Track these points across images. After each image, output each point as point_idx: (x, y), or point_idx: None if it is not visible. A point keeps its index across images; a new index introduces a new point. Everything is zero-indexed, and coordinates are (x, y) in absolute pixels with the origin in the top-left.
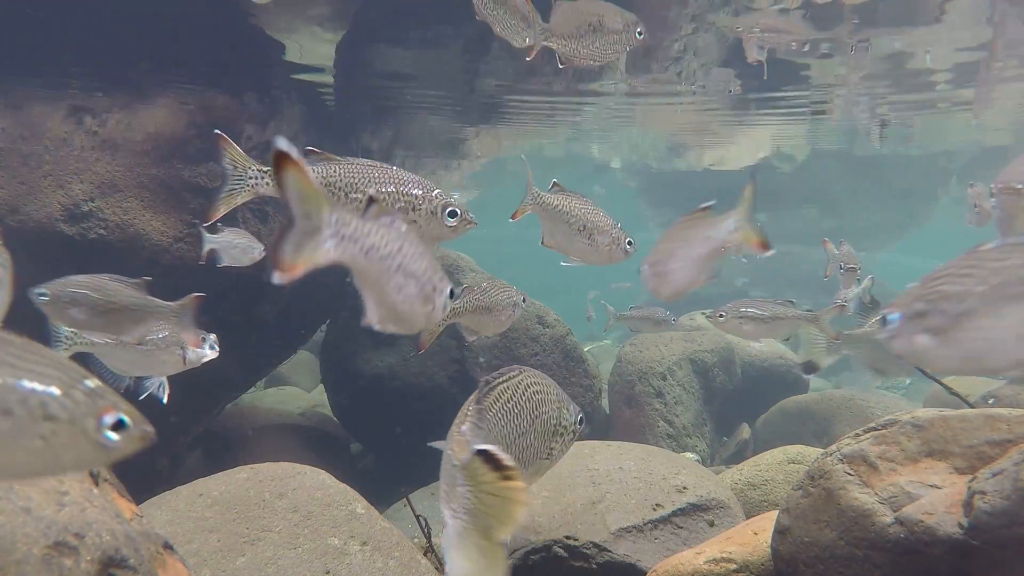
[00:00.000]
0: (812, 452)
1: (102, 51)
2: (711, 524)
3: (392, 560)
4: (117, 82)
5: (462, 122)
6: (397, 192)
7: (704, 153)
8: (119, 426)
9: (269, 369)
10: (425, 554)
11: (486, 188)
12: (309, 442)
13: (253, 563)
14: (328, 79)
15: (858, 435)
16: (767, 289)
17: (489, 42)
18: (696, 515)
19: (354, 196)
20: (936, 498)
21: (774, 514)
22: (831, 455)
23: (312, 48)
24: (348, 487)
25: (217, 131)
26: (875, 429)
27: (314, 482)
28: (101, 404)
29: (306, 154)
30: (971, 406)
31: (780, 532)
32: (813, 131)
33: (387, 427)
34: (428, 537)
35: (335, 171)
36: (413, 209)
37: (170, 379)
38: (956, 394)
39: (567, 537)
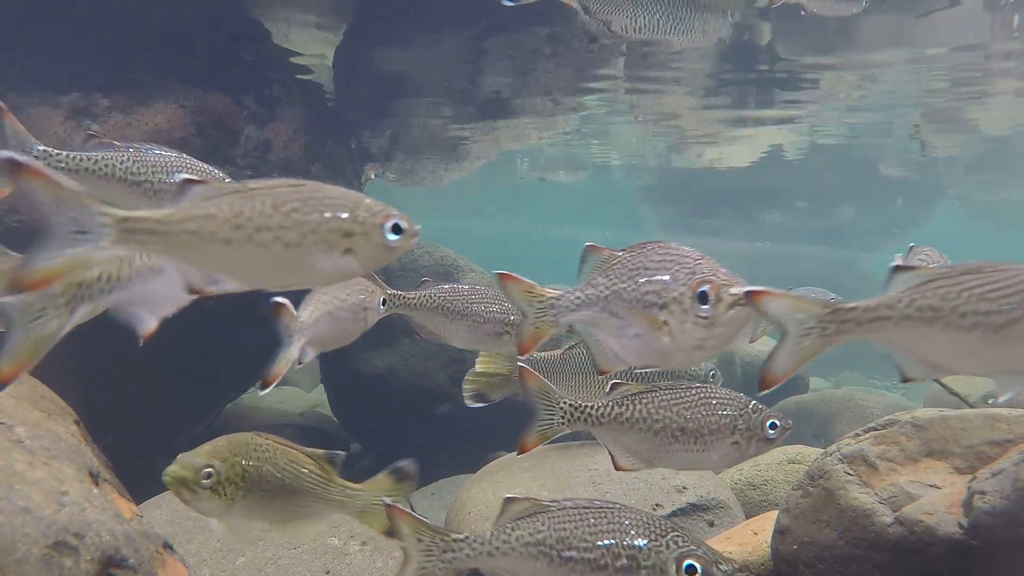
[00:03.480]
0: (812, 452)
1: (101, 52)
2: (711, 524)
3: (392, 560)
4: (116, 83)
5: (462, 122)
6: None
7: (704, 151)
8: (398, 229)
9: None
10: None
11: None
12: (309, 442)
13: (253, 563)
14: (328, 79)
15: (858, 435)
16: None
17: (488, 41)
18: (696, 515)
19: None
20: (936, 498)
21: (774, 514)
22: (831, 455)
23: (312, 48)
24: None
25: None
26: (875, 429)
27: None
28: (383, 214)
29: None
30: (971, 406)
31: (780, 532)
32: (812, 131)
33: (387, 427)
34: None
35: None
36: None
37: (168, 381)
38: (956, 394)
39: None
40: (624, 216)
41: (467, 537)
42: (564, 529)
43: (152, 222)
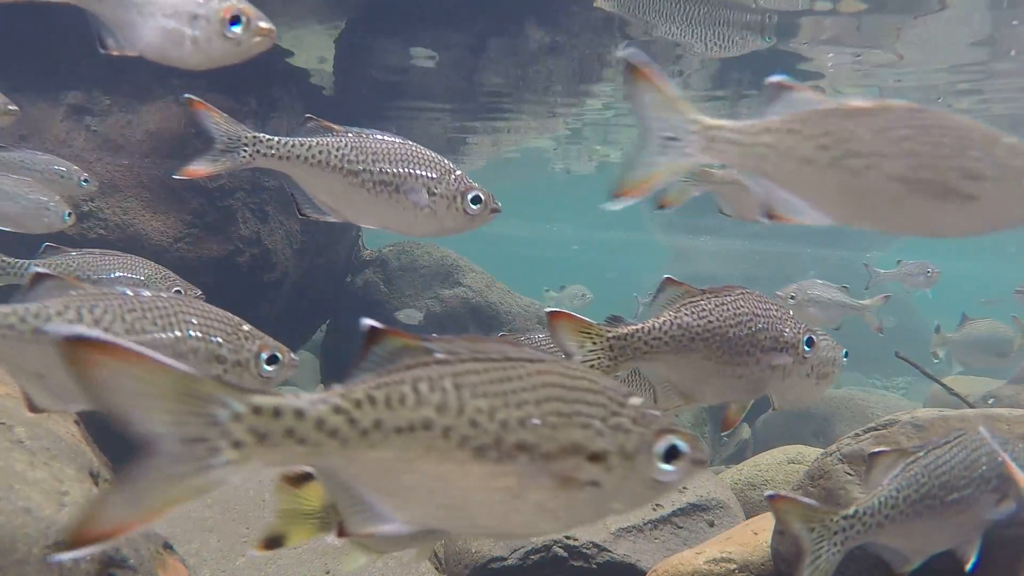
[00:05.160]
0: (812, 452)
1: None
2: (711, 524)
3: (392, 560)
4: (117, 80)
5: (463, 122)
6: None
7: None
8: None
9: None
10: None
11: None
12: None
13: (253, 563)
14: (327, 80)
15: (858, 435)
16: (766, 288)
17: (489, 41)
18: (696, 515)
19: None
20: None
21: None
22: (831, 455)
23: (312, 46)
24: None
25: None
26: (875, 429)
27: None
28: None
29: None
30: (971, 406)
31: (780, 532)
32: None
33: None
34: None
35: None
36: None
37: None
38: (956, 394)
39: (567, 537)
40: (625, 216)
41: (855, 512)
42: (944, 474)
43: (733, 131)
